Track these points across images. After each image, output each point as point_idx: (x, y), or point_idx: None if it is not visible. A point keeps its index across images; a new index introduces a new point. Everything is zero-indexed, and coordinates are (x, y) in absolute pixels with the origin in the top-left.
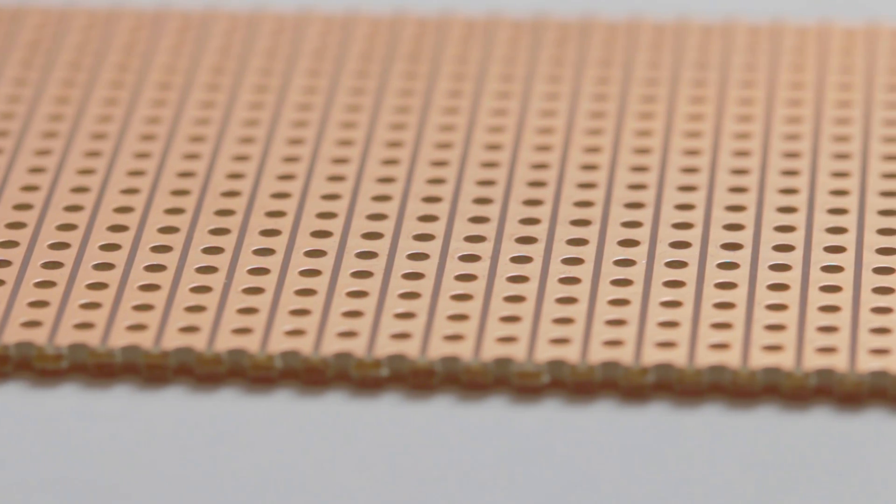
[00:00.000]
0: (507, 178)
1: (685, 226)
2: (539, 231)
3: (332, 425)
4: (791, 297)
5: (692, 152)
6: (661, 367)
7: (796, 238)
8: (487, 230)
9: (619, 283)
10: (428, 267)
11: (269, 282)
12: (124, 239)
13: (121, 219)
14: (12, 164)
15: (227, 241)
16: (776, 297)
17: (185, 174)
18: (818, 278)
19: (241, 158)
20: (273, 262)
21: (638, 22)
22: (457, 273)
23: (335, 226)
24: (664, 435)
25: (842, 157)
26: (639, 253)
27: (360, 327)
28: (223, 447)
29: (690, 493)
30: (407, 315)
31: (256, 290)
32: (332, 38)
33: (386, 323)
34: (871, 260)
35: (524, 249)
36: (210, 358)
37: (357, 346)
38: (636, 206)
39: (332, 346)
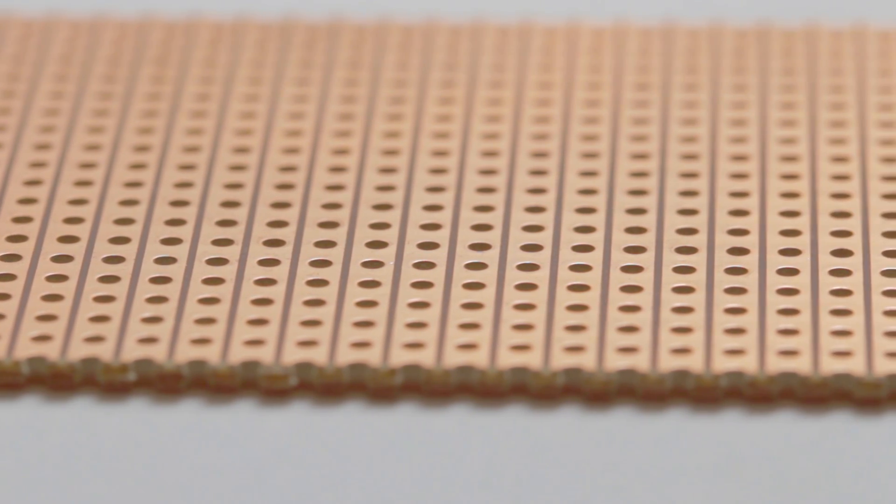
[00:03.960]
0: (254, 181)
1: (433, 227)
2: (287, 234)
3: (80, 431)
4: (539, 297)
5: (440, 153)
6: (408, 368)
7: (544, 237)
8: (235, 233)
9: (367, 284)
10: (175, 271)
11: (15, 287)
12: None
13: None
14: None
15: None
16: (524, 297)
17: None
18: (566, 277)
19: None
20: (19, 268)
21: (386, 23)
22: (204, 276)
23: (82, 231)
24: (412, 436)
25: (590, 156)
26: (387, 254)
27: (107, 332)
28: None
29: (439, 493)
30: (154, 319)
31: (2, 296)
32: (80, 43)
33: (133, 327)
34: (619, 259)
35: (272, 252)
36: None
37: (104, 351)
38: (384, 207)
39: (78, 351)
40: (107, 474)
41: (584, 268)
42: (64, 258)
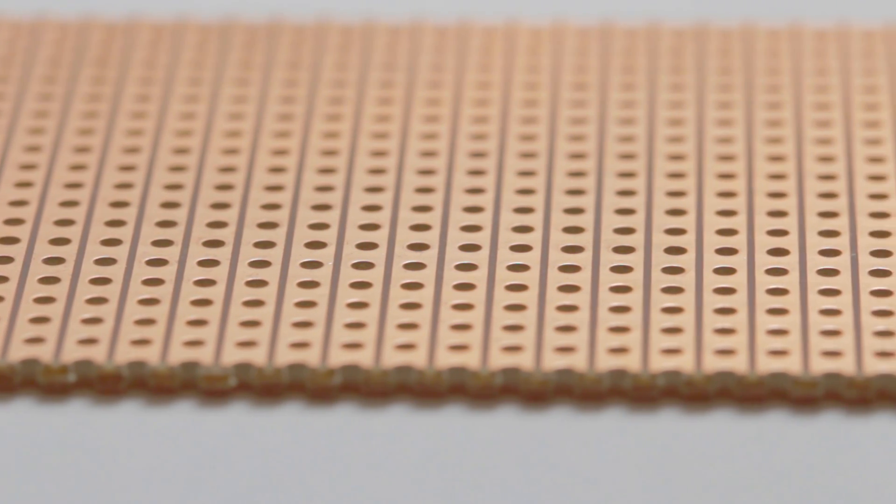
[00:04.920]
0: (194, 181)
1: (372, 227)
2: (226, 234)
3: (19, 432)
4: (477, 297)
5: (379, 153)
6: (347, 369)
7: (482, 237)
8: (175, 234)
9: (306, 284)
10: (115, 272)
11: None
12: None
13: None
14: None
15: None
16: (462, 297)
17: None
18: (504, 277)
19: None
20: None
21: (325, 24)
22: (144, 277)
23: (22, 232)
24: (351, 436)
25: (528, 156)
26: (326, 255)
27: (46, 333)
28: None
29: (378, 493)
30: (94, 320)
31: None
32: (20, 44)
33: (73, 328)
34: (557, 258)
35: (211, 253)
36: None
37: (44, 352)
38: (323, 207)
39: (18, 352)
40: (46, 476)
41: (521, 267)
42: (4, 259)
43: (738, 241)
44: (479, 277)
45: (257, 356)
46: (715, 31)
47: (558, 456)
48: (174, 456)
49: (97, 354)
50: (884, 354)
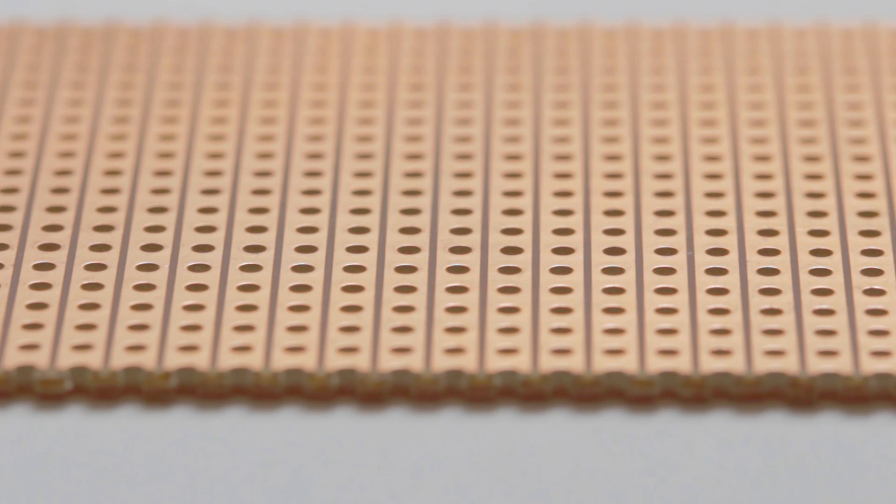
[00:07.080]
0: (29, 185)
1: (208, 229)
2: (62, 238)
3: None
4: (314, 298)
5: (215, 155)
6: (183, 371)
7: (318, 239)
8: (10, 238)
9: (142, 287)
10: None
11: None
12: None
13: None
14: None
15: None
16: (299, 299)
17: None
18: (340, 279)
19: None
20: None
21: (161, 26)
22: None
23: None
24: (187, 438)
25: (364, 157)
26: (162, 257)
27: None
28: None
29: (212, 495)
30: None
31: None
32: None
33: None
34: (393, 259)
35: (46, 256)
36: None
37: None
38: (159, 210)
39: None
40: None
41: (358, 269)
42: None
43: (575, 241)
44: (315, 279)
45: (93, 359)
46: (551, 30)
47: (395, 456)
48: (8, 460)
49: None
50: (719, 352)
